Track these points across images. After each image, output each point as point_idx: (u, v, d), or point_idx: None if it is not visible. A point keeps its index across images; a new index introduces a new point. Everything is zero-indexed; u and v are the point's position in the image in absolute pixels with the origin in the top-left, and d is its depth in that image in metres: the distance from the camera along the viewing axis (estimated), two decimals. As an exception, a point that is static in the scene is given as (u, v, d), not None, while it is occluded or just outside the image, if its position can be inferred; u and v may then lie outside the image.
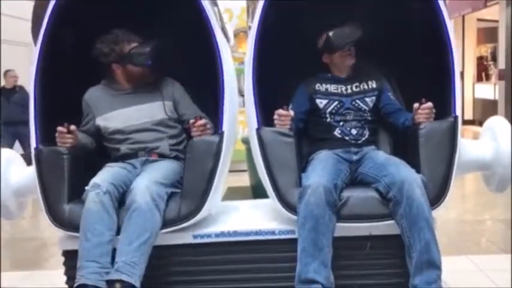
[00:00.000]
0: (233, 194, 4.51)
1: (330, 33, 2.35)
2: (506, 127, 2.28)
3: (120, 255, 1.98)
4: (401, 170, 2.07)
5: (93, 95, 2.41)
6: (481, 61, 10.89)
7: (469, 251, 3.21)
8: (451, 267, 2.38)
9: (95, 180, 2.10)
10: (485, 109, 9.92)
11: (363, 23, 2.36)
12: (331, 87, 2.45)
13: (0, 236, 3.50)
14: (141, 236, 2.00)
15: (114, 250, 2.02)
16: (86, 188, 2.08)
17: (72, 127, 2.19)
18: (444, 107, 2.20)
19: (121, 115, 2.36)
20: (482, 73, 10.83)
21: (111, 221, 2.05)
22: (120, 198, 2.13)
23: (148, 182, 2.08)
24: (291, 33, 2.46)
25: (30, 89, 2.24)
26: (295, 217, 2.07)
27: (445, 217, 3.90)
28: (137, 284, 1.95)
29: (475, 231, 3.79)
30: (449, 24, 2.23)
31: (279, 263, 2.14)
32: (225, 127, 2.17)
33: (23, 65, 6.91)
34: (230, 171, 2.36)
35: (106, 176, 2.14)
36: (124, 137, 2.35)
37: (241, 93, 2.46)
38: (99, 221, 2.02)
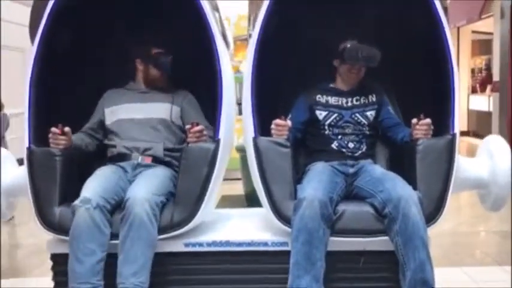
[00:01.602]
0: (227, 202, 4.49)
1: (350, 45, 2.33)
2: (504, 146, 2.26)
3: (127, 275, 1.96)
4: (397, 186, 2.05)
5: (113, 92, 2.50)
6: (487, 72, 10.86)
7: (463, 263, 3.21)
8: (445, 279, 2.36)
9: (85, 194, 2.05)
10: (480, 120, 9.97)
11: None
12: (332, 100, 2.44)
13: (0, 243, 3.47)
14: (146, 252, 1.98)
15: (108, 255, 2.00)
16: (75, 202, 2.02)
17: (66, 129, 2.17)
18: (443, 122, 2.18)
19: (128, 108, 2.42)
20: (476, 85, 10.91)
21: (103, 237, 2.00)
22: (112, 209, 2.09)
23: (146, 192, 2.05)
24: (292, 43, 2.46)
25: (25, 88, 2.21)
26: (289, 229, 2.04)
27: (440, 229, 3.85)
28: None
29: (470, 243, 3.78)
30: (451, 42, 2.21)
31: (271, 275, 2.11)
32: (221, 135, 2.14)
33: (18, 71, 6.90)
34: (224, 179, 2.34)
35: (96, 188, 2.09)
36: (122, 130, 2.36)
37: (237, 102, 2.46)
38: (90, 239, 1.97)
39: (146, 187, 2.08)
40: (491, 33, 9.31)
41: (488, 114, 9.31)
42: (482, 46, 11.04)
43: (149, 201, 2.02)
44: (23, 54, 6.99)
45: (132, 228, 1.98)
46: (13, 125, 6.66)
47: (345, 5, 2.41)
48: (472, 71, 11.26)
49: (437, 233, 3.60)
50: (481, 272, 3.01)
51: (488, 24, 9.32)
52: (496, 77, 8.84)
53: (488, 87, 9.74)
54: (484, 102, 9.81)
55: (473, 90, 10.85)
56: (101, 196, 2.04)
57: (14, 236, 4.05)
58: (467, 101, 10.55)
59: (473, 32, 10.84)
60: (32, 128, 2.18)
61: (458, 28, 10.43)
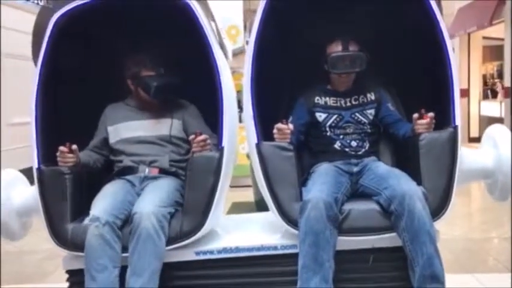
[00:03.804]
0: (237, 209, 4.51)
1: (332, 55, 2.36)
2: (507, 135, 2.27)
3: (134, 286, 1.98)
4: (402, 183, 2.06)
5: (113, 107, 2.53)
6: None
7: (475, 270, 3.17)
8: (457, 285, 2.35)
9: (94, 212, 2.09)
10: (492, 127, 9.88)
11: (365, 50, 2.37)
12: (330, 101, 2.46)
13: (0, 251, 3.50)
14: (151, 264, 2.01)
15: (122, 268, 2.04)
16: (85, 222, 2.08)
17: (74, 146, 2.20)
18: (444, 115, 2.19)
19: (129, 126, 2.44)
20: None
21: (114, 252, 2.04)
22: (123, 223, 2.12)
23: (152, 206, 2.09)
24: (289, 45, 2.48)
25: (31, 107, 2.24)
26: (297, 231, 2.06)
27: (451, 235, 3.87)
28: None
29: (482, 249, 3.75)
30: (448, 37, 2.22)
31: (282, 278, 2.13)
32: (225, 143, 2.17)
33: (23, 79, 6.98)
34: (235, 186, 2.35)
35: (104, 205, 2.12)
36: (128, 148, 2.40)
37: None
38: (102, 255, 2.01)
39: (152, 200, 2.12)
40: (502, 39, 9.26)
41: (500, 120, 9.25)
42: (494, 52, 10.98)
43: (155, 214, 2.05)
44: (27, 62, 7.06)
45: (139, 242, 2.02)
46: (19, 134, 6.71)
47: (341, 6, 2.40)
48: (484, 77, 11.19)
49: (449, 239, 3.59)
50: (493, 279, 2.98)
51: (499, 30, 9.28)
52: (507, 82, 8.78)
53: (500, 93, 9.68)
54: (495, 108, 9.75)
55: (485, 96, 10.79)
56: (110, 213, 2.08)
57: (27, 242, 4.10)
58: (478, 107, 10.49)
59: (484, 38, 10.79)
60: (40, 148, 2.20)
61: (469, 34, 10.38)
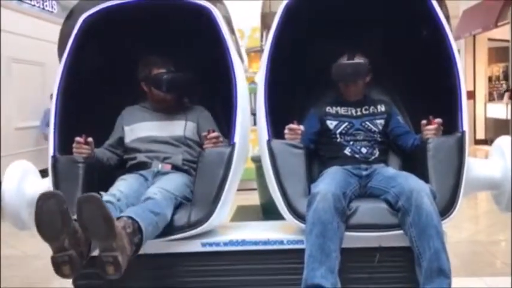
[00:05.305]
0: (243, 213, 4.50)
1: (335, 64, 2.44)
2: None
3: (127, 212, 1.94)
4: (410, 181, 2.08)
5: (130, 109, 2.60)
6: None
7: (483, 273, 3.16)
8: (465, 289, 2.33)
9: (111, 190, 2.15)
10: (498, 129, 9.84)
11: (371, 56, 2.43)
12: (341, 110, 2.51)
13: (0, 253, 3.51)
14: (152, 208, 1.99)
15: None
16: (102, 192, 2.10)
17: (89, 139, 2.27)
18: (451, 122, 2.22)
19: (145, 126, 2.51)
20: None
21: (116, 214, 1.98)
22: None
23: (160, 188, 2.14)
24: (303, 54, 2.52)
25: (52, 100, 2.34)
26: (304, 226, 2.06)
27: (458, 238, 3.84)
28: (145, 231, 1.88)
29: (489, 252, 3.72)
30: (454, 45, 2.27)
31: (288, 273, 2.13)
32: (237, 139, 2.20)
33: (35, 84, 7.02)
34: (240, 189, 2.36)
35: (121, 189, 2.17)
36: (142, 146, 2.45)
37: (252, 112, 2.51)
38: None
39: (161, 186, 2.16)
40: (508, 41, 9.22)
41: (506, 122, 9.20)
42: (499, 54, 10.93)
43: (162, 193, 2.09)
44: (41, 68, 7.11)
45: (145, 204, 2.02)
46: (21, 139, 6.75)
47: (353, 16, 2.47)
48: (490, 79, 11.13)
49: (455, 242, 3.56)
50: (501, 282, 2.95)
51: (505, 32, 9.24)
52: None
53: (506, 95, 9.63)
54: (501, 110, 9.70)
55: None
56: (125, 196, 2.12)
57: (34, 247, 4.10)
58: (484, 109, 10.44)
59: (490, 39, 10.75)
60: (57, 138, 2.27)
61: (474, 36, 10.35)
